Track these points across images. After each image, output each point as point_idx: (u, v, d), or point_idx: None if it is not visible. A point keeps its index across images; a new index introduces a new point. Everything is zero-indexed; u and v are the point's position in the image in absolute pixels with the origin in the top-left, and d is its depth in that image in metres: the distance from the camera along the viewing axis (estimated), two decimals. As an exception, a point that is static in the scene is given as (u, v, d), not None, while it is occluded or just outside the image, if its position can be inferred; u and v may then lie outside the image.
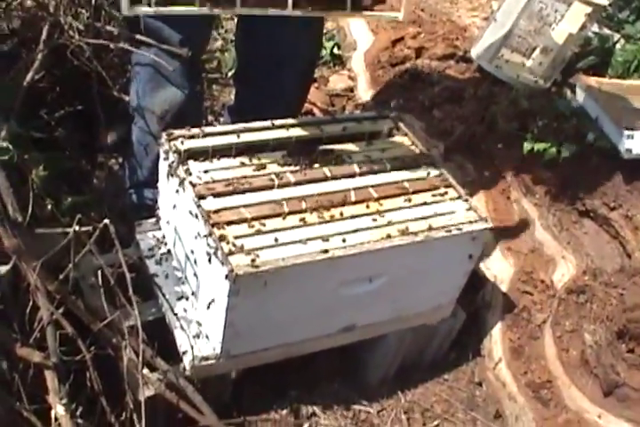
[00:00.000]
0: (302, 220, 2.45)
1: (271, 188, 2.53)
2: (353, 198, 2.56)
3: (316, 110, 4.17)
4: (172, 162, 2.58)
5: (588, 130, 3.27)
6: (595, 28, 3.70)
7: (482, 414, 3.05)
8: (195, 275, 2.56)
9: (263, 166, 2.61)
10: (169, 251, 2.82)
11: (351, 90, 4.35)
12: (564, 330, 2.94)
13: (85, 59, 3.16)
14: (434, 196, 2.66)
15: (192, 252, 2.54)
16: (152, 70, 2.92)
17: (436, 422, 3.00)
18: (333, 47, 4.62)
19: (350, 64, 4.45)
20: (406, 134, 2.90)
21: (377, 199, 2.58)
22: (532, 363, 2.98)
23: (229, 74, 4.35)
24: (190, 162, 2.57)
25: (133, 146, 3.18)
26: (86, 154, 3.46)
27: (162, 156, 2.66)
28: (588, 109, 3.46)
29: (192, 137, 2.66)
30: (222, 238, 2.32)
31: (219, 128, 2.78)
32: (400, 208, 2.58)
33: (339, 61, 4.61)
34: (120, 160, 3.58)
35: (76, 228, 2.08)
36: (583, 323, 2.92)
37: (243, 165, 2.61)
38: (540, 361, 2.97)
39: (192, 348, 2.49)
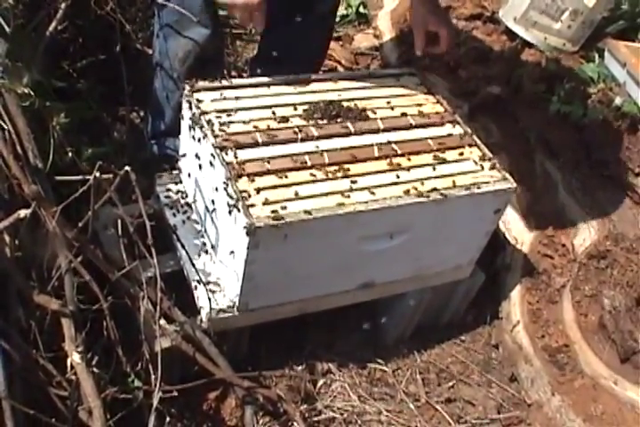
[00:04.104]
0: (324, 174, 2.43)
1: (294, 141, 2.51)
2: (376, 154, 2.53)
3: (340, 69, 4.14)
4: (194, 113, 2.56)
5: (615, 94, 3.24)
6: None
7: (497, 377, 3.05)
8: (214, 227, 2.55)
9: (286, 119, 2.58)
10: (189, 203, 2.80)
11: (376, 49, 4.30)
12: (584, 295, 2.93)
13: (109, 9, 3.13)
14: (457, 154, 2.64)
15: (212, 204, 2.52)
16: (176, 12, 2.89)
17: (450, 383, 3.00)
18: (359, 6, 4.56)
19: (376, 23, 4.40)
20: (431, 92, 2.87)
21: (400, 155, 2.55)
22: (549, 327, 2.97)
23: (253, 30, 4.31)
24: (212, 114, 2.55)
25: (155, 95, 3.16)
26: (107, 106, 3.44)
27: (184, 107, 2.64)
28: (616, 74, 3.43)
29: (215, 89, 2.64)
30: (243, 190, 2.31)
31: (242, 80, 2.77)
32: (423, 165, 2.55)
33: (364, 20, 4.55)
34: (141, 114, 3.56)
35: (97, 174, 2.06)
36: (603, 288, 2.91)
37: (266, 117, 2.58)
38: (558, 325, 2.95)
39: (210, 300, 2.47)
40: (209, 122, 2.51)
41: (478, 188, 2.52)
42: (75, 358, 2.09)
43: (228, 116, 2.55)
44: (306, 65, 3.10)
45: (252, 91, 2.68)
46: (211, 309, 2.48)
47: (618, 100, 3.25)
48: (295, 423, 2.57)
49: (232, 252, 2.40)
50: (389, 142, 2.59)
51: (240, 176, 2.35)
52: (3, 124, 2.26)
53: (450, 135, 2.69)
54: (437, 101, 2.83)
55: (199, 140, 2.54)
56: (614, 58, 3.46)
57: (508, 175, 2.61)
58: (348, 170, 2.46)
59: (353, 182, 2.42)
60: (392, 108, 2.75)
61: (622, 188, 3.14)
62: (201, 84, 2.64)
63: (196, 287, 2.56)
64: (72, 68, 3.28)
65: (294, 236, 2.30)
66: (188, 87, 2.62)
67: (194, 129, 2.57)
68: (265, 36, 3.46)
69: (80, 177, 2.19)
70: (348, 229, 2.39)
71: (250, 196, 2.30)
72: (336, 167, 2.46)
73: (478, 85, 3.51)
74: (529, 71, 3.44)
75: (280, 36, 3.24)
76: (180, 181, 2.87)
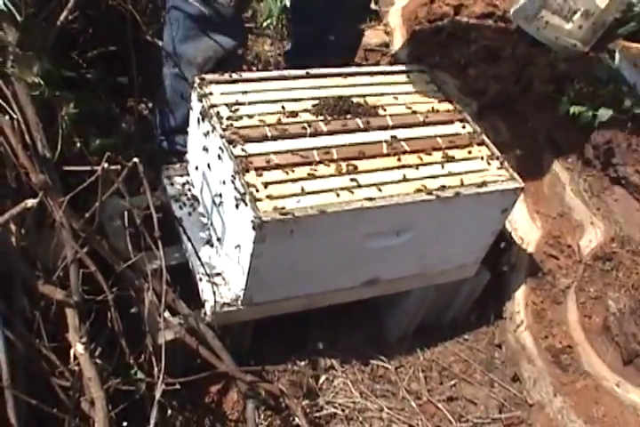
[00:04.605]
0: (332, 169, 2.43)
1: (303, 136, 2.51)
2: (384, 151, 2.53)
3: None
4: (204, 106, 2.55)
5: (625, 96, 3.22)
6: (638, -7, 3.64)
7: (500, 377, 3.05)
8: (221, 221, 2.55)
9: (295, 114, 2.58)
10: (195, 196, 2.80)
11: (386, 45, 4.29)
12: (588, 296, 2.92)
13: (120, 0, 3.12)
14: (466, 153, 2.64)
15: (219, 197, 2.52)
16: (197, 17, 2.87)
17: (453, 382, 3.00)
18: (370, 2, 4.53)
19: (387, 19, 4.39)
20: (441, 90, 2.87)
21: (409, 153, 2.55)
22: (553, 327, 2.96)
23: (265, 24, 4.31)
24: (222, 107, 2.54)
25: (166, 93, 3.14)
26: (116, 97, 3.43)
27: (193, 100, 2.64)
28: (627, 75, 3.41)
29: (225, 82, 2.64)
30: (251, 184, 2.30)
31: (252, 74, 2.77)
32: (431, 163, 2.55)
33: (375, 16, 4.54)
34: (149, 105, 3.55)
35: (105, 165, 2.06)
36: (607, 290, 2.90)
37: (275, 112, 2.58)
38: (562, 326, 2.95)
39: (214, 294, 2.48)
40: (218, 115, 2.51)
41: (486, 187, 2.52)
42: (78, 348, 2.09)
43: (238, 109, 2.55)
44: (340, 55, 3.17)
45: (261, 85, 2.68)
46: (215, 302, 2.48)
47: (627, 102, 3.23)
48: (296, 418, 2.57)
49: (238, 245, 2.40)
50: (398, 139, 2.59)
51: (248, 170, 2.35)
52: (12, 113, 2.26)
53: (459, 134, 2.70)
54: (447, 99, 2.83)
55: (208, 133, 2.54)
56: (625, 59, 3.45)
57: (515, 175, 2.61)
58: (356, 166, 2.46)
59: (360, 179, 2.42)
60: (401, 106, 2.75)
61: (630, 190, 3.12)
62: (210, 77, 2.65)
63: (200, 280, 2.56)
64: (82, 59, 3.27)
65: (300, 231, 2.29)
66: (197, 80, 2.62)
67: (203, 122, 2.57)
68: (298, 29, 3.43)
69: (88, 167, 2.19)
70: (355, 225, 2.39)
71: (257, 190, 2.30)
72: (344, 163, 2.46)
73: (488, 84, 3.50)
74: (539, 71, 3.42)
75: (314, 29, 3.25)
76: (187, 174, 2.87)
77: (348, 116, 2.62)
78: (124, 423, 2.24)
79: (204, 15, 2.85)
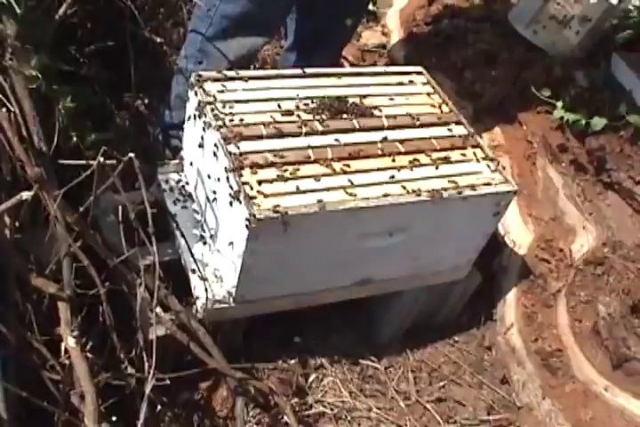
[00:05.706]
0: (326, 169, 2.43)
1: (298, 135, 2.51)
2: (379, 151, 2.53)
3: (346, 65, 4.14)
4: (200, 103, 2.55)
5: (620, 102, 3.23)
6: (635, 0, 3.64)
7: (488, 379, 3.06)
8: (214, 218, 2.55)
9: (291, 113, 2.58)
10: (190, 193, 2.80)
11: (383, 46, 4.31)
12: (579, 300, 2.93)
13: (120, -5, 3.13)
14: (460, 155, 2.64)
15: (214, 194, 2.52)
16: (234, 16, 2.86)
17: (442, 383, 3.00)
18: (369, 3, 4.54)
19: (385, 20, 4.41)
20: (437, 92, 2.87)
21: (403, 154, 2.56)
22: (543, 331, 2.97)
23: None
24: (218, 104, 2.54)
25: (180, 89, 3.13)
26: (112, 93, 3.43)
27: (190, 96, 2.64)
28: (622, 81, 3.42)
29: (222, 80, 2.64)
30: (245, 182, 2.30)
31: (249, 72, 2.77)
32: (426, 164, 2.56)
33: (373, 17, 4.55)
34: (146, 101, 3.55)
35: (100, 160, 2.06)
36: (598, 295, 2.91)
37: (271, 110, 2.58)
38: (552, 329, 2.96)
39: (206, 290, 2.48)
40: (214, 112, 2.51)
41: (479, 189, 2.52)
42: (69, 342, 2.09)
43: (234, 107, 2.55)
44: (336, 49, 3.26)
45: (258, 83, 2.68)
46: (207, 299, 2.48)
47: (622, 108, 3.25)
48: (285, 417, 2.57)
49: (231, 243, 2.40)
50: (393, 140, 2.59)
51: (242, 168, 2.35)
52: (9, 105, 2.26)
53: (454, 136, 2.70)
54: (443, 101, 2.84)
55: (203, 130, 2.54)
56: (621, 65, 3.46)
57: (509, 178, 2.62)
58: (351, 166, 2.46)
59: (355, 179, 2.42)
60: (397, 107, 2.75)
61: (622, 195, 3.14)
62: (207, 74, 2.64)
63: (192, 277, 2.56)
64: (79, 53, 3.27)
65: (294, 229, 2.29)
66: (194, 77, 2.62)
67: (198, 118, 2.57)
68: (303, 16, 3.42)
69: (83, 162, 2.19)
70: (348, 225, 2.39)
71: (251, 188, 2.30)
72: (339, 163, 2.46)
73: (484, 88, 3.51)
74: (535, 75, 3.43)
75: (320, 16, 3.25)
76: (182, 170, 2.87)
77: (344, 117, 2.62)
78: (114, 418, 2.24)
79: (244, 14, 2.85)
